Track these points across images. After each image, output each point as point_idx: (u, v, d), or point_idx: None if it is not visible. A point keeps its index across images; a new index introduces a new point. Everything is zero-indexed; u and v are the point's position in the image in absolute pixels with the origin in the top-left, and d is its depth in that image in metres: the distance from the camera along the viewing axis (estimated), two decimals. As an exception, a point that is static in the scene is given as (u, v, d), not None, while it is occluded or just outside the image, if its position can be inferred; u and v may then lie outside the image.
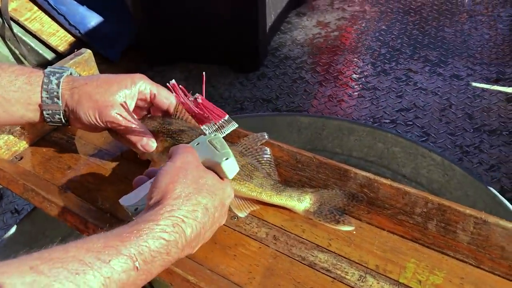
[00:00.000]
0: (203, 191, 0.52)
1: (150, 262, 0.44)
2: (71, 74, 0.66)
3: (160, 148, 0.68)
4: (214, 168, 0.56)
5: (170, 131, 0.69)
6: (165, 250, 0.46)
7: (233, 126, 0.62)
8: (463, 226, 0.61)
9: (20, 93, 0.63)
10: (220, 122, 0.60)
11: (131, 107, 0.66)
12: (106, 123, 0.65)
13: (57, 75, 0.64)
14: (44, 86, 0.63)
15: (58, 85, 0.63)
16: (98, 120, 0.64)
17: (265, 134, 0.73)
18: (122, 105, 0.64)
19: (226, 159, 0.55)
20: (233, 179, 0.67)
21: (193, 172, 0.52)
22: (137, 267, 0.42)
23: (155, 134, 0.69)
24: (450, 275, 0.59)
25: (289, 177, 0.72)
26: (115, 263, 0.41)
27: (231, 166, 0.55)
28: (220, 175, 0.56)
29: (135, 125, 0.66)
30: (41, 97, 0.63)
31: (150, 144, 0.67)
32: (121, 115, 0.64)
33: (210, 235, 0.55)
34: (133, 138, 0.66)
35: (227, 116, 0.61)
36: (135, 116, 0.67)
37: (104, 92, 0.63)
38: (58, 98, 0.63)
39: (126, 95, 0.65)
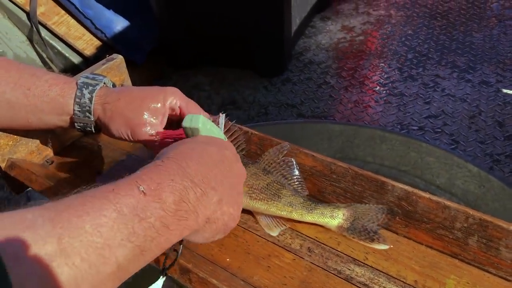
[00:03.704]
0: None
1: (157, 188, 0.42)
2: (104, 84, 0.66)
3: None
4: None
5: None
6: (170, 177, 0.44)
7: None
8: (507, 243, 0.58)
9: (53, 104, 0.63)
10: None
11: (163, 123, 0.65)
12: (139, 140, 0.64)
13: (90, 88, 0.63)
14: (77, 100, 0.63)
15: (90, 99, 0.63)
16: (130, 137, 0.64)
17: (287, 143, 0.70)
18: (154, 123, 0.64)
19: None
20: (261, 199, 0.65)
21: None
22: (143, 192, 0.41)
23: None
24: (493, 294, 0.57)
25: (323, 188, 0.70)
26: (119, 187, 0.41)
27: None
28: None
29: (167, 142, 0.65)
30: (73, 110, 0.63)
31: None
32: (153, 134, 0.64)
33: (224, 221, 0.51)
34: None
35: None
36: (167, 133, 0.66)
37: (136, 108, 0.62)
38: (90, 113, 0.63)
39: (158, 111, 0.64)
